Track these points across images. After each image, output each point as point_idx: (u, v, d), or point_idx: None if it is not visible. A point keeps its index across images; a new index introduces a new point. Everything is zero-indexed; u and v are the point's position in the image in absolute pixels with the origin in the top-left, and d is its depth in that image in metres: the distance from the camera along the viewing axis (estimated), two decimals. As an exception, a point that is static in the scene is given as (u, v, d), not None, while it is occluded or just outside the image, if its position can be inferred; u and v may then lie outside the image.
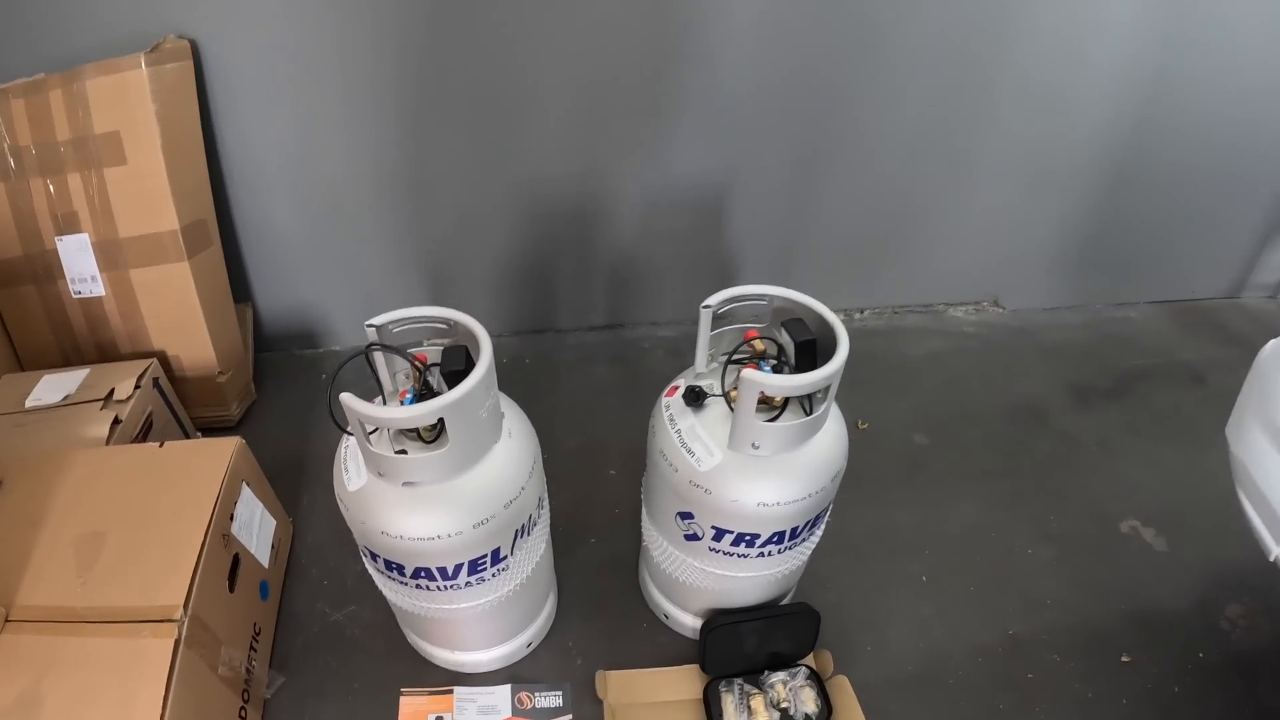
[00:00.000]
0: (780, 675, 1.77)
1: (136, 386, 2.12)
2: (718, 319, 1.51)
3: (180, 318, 2.31)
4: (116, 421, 2.00)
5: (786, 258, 2.70)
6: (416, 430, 1.37)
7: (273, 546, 2.01)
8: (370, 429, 1.35)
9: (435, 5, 2.18)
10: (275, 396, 2.74)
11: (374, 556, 1.51)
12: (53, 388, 2.14)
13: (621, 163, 2.55)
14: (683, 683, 1.81)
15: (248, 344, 2.63)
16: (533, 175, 2.54)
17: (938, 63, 2.44)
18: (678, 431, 1.51)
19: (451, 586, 1.51)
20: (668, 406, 1.55)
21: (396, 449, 1.37)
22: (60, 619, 1.51)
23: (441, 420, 1.29)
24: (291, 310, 2.79)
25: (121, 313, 2.32)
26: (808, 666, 1.79)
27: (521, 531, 1.52)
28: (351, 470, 1.44)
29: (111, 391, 2.08)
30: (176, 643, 1.47)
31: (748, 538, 1.55)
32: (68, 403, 2.08)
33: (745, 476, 1.45)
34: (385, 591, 1.67)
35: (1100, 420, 2.55)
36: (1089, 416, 2.57)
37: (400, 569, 1.48)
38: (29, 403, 2.09)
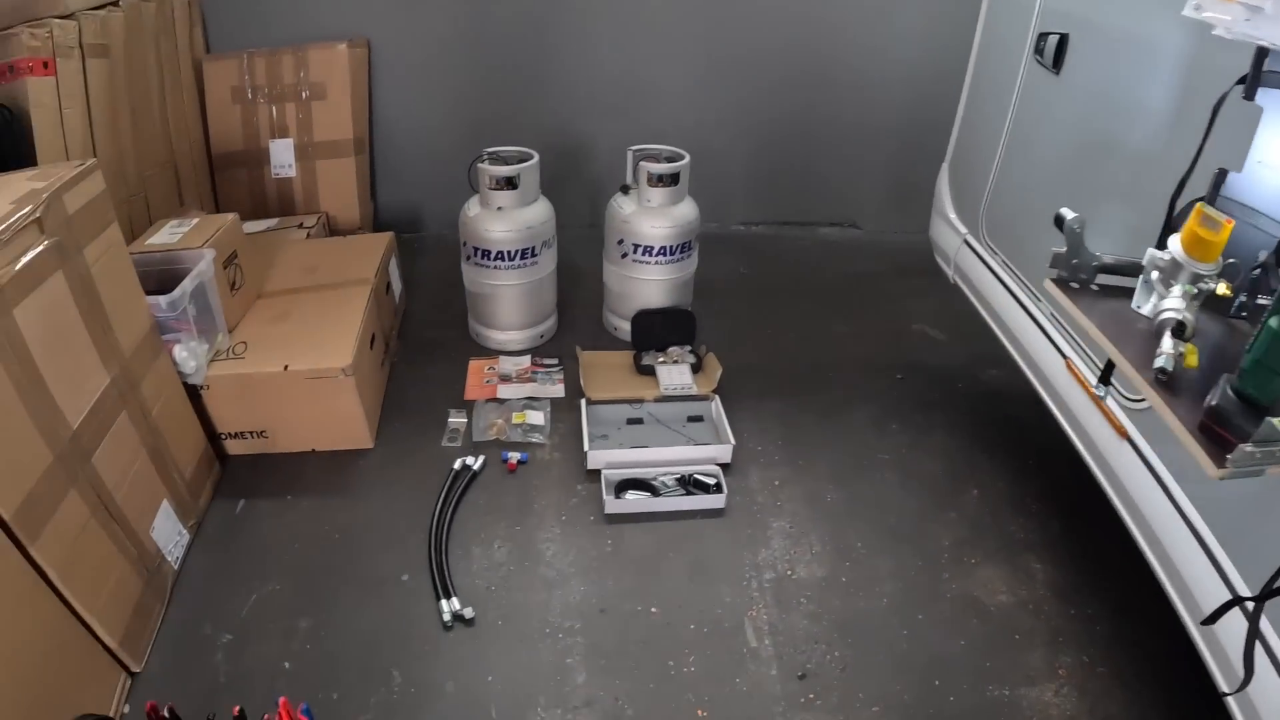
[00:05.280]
0: (675, 347, 2.81)
1: (318, 221, 3.43)
2: (637, 159, 2.79)
3: (342, 193, 3.59)
4: (308, 235, 3.30)
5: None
6: (505, 182, 2.68)
7: (400, 291, 3.19)
8: (487, 183, 2.69)
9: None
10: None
11: (475, 251, 2.78)
12: (257, 225, 3.33)
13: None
14: (623, 355, 2.85)
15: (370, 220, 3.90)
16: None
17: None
18: (618, 203, 2.84)
19: (510, 266, 2.78)
20: (614, 197, 2.87)
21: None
22: (293, 291, 2.66)
23: (518, 177, 2.68)
24: (399, 205, 3.95)
25: (304, 188, 3.56)
26: (691, 346, 2.85)
27: (543, 244, 2.82)
28: (471, 209, 2.78)
29: (301, 222, 3.38)
30: (371, 290, 2.64)
31: (650, 248, 2.80)
32: (271, 230, 3.32)
33: (645, 216, 2.78)
34: (471, 280, 2.90)
35: (911, 281, 3.47)
36: (905, 280, 3.52)
37: (487, 254, 2.76)
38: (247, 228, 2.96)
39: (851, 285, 3.47)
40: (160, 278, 2.12)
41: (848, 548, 2.11)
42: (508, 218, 2.67)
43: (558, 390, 2.73)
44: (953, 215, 2.53)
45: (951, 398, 2.72)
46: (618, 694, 1.74)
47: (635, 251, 2.77)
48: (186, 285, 2.07)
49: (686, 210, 2.78)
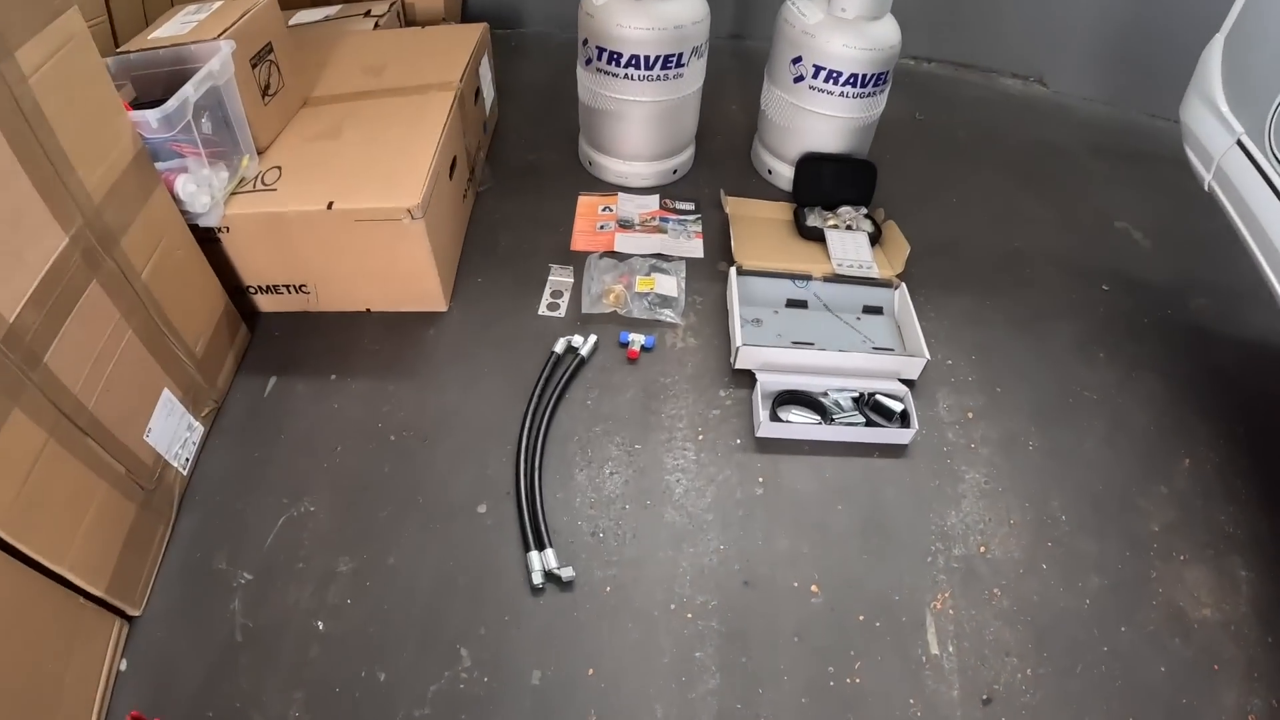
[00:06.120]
0: (848, 208, 2.25)
1: (390, 8, 2.79)
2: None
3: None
4: (376, 25, 2.65)
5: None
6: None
7: (492, 101, 2.61)
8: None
9: None
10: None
11: (600, 53, 2.12)
12: (311, 14, 2.75)
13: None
14: (780, 209, 2.33)
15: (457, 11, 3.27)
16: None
17: None
18: (798, 7, 2.14)
19: (646, 76, 2.13)
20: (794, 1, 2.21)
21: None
22: (352, 97, 2.08)
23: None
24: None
25: (373, -34, 2.91)
26: (867, 209, 2.28)
27: (693, 52, 2.15)
28: (598, -5, 2.15)
29: (369, 10, 2.74)
30: (455, 98, 2.06)
31: (837, 74, 2.12)
32: (329, 19, 2.71)
33: (836, 30, 2.08)
34: (589, 92, 2.27)
35: (1110, 165, 2.86)
36: (1102, 162, 2.88)
37: (617, 58, 2.11)
38: (292, 21, 2.64)
39: (1042, 157, 2.85)
40: (170, 84, 1.54)
41: (1050, 520, 1.67)
42: (649, 11, 2.01)
43: (694, 248, 2.15)
44: (1224, 106, 1.96)
45: (1161, 328, 2.19)
46: (760, 709, 1.31)
47: (815, 75, 2.11)
48: (188, 92, 1.49)
49: (888, 31, 2.09)
